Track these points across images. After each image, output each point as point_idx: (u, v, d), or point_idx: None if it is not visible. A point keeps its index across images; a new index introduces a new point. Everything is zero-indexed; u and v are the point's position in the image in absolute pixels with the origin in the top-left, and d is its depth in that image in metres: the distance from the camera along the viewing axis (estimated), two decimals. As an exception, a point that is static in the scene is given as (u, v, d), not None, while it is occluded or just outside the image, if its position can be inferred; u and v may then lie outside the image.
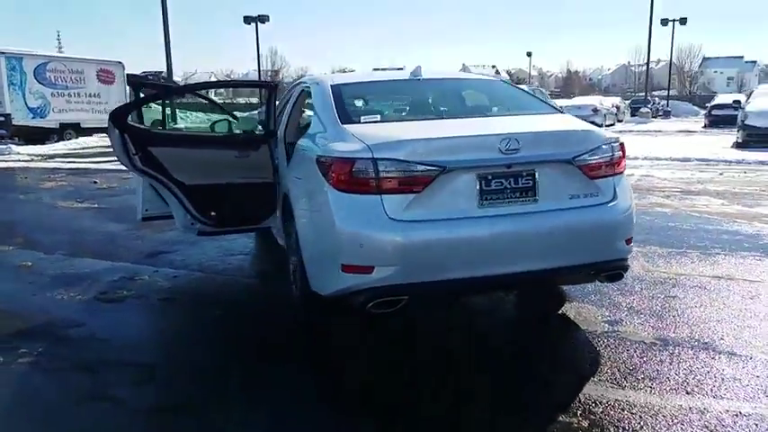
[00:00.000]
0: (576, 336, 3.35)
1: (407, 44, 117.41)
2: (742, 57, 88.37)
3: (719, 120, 23.18)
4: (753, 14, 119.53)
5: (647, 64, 38.00)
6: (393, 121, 3.52)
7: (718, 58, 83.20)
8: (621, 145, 3.21)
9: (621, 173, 3.22)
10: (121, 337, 3.57)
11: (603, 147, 3.10)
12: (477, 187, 2.88)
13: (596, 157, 3.07)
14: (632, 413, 2.51)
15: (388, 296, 2.87)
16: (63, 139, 19.84)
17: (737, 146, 13.86)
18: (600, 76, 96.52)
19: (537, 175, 2.96)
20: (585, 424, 2.44)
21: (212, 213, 4.35)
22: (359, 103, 3.64)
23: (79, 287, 4.37)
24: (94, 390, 2.87)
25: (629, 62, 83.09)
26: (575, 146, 3.04)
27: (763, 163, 11.02)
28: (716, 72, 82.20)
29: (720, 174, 9.78)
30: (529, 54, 53.00)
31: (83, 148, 18.65)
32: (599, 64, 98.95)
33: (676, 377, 2.80)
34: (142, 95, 4.74)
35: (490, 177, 2.89)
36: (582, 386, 2.74)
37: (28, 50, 19.45)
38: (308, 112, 4.38)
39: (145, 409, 2.68)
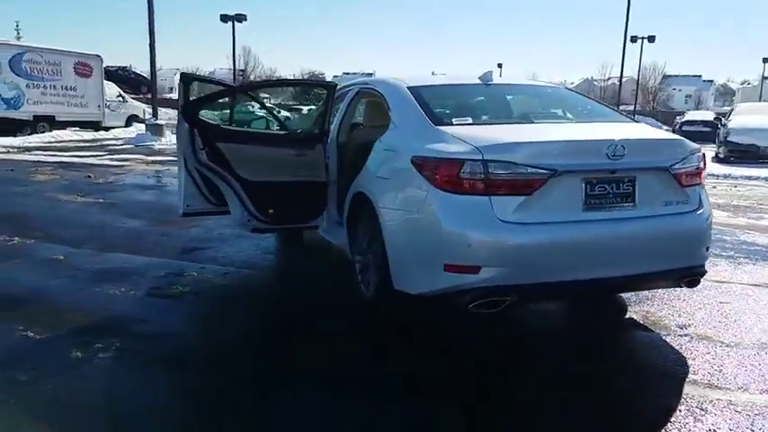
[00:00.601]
0: (653, 338, 3.44)
1: (378, 51, 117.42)
2: (700, 76, 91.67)
3: (689, 136, 23.86)
4: (711, 35, 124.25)
5: (620, 79, 39.01)
6: (485, 124, 3.56)
7: (677, 75, 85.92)
8: (704, 155, 3.33)
9: (703, 182, 3.34)
10: (196, 333, 3.51)
11: (692, 156, 3.22)
12: (583, 191, 2.95)
13: (687, 166, 3.18)
14: (738, 412, 2.60)
15: (495, 296, 2.91)
16: (36, 132, 19.18)
17: (718, 161, 14.38)
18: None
19: (636, 182, 3.04)
20: (700, 426, 2.51)
21: (270, 211, 4.32)
22: (441, 105, 3.66)
23: (127, 282, 4.26)
24: (190, 383, 2.82)
25: (592, 77, 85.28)
26: (670, 154, 3.15)
27: (749, 177, 11.48)
28: (675, 89, 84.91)
29: (714, 187, 10.13)
30: (500, 65, 53.87)
31: (58, 142, 18.10)
32: (564, 77, 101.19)
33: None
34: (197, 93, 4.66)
35: (595, 182, 2.97)
36: (681, 388, 2.82)
37: (4, 40, 18.71)
38: (368, 113, 4.43)
39: (249, 401, 2.65)
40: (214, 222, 5.89)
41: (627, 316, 3.77)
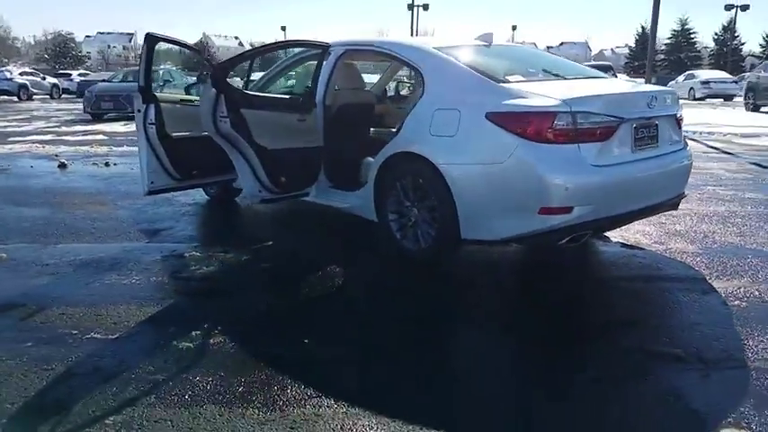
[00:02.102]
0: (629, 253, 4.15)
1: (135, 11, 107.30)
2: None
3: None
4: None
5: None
6: (534, 80, 3.87)
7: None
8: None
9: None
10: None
11: (680, 105, 3.98)
12: (632, 136, 3.50)
13: (680, 113, 3.93)
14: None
15: (581, 232, 3.35)
16: None
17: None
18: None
19: (659, 126, 3.69)
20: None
21: (282, 179, 4.21)
22: (480, 64, 3.88)
23: (128, 270, 3.83)
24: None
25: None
26: (674, 103, 3.87)
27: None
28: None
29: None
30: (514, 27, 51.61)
31: None
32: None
33: None
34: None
35: (638, 127, 3.54)
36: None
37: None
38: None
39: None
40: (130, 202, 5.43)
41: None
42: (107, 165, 8.22)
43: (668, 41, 54.43)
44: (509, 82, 3.62)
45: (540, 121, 3.24)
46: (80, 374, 2.59)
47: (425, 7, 38.80)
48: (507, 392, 2.47)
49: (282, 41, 4.79)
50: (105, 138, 11.77)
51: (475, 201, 3.49)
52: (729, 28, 48.02)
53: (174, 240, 4.60)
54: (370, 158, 4.56)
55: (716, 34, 52.17)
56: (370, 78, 6.97)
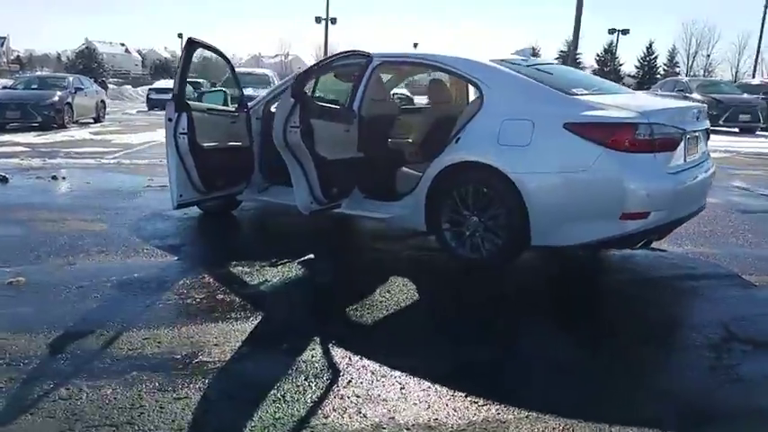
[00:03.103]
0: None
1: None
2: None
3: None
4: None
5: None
6: (597, 94, 3.99)
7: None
8: None
9: None
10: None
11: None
12: (684, 145, 3.76)
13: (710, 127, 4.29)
14: None
15: (652, 235, 3.55)
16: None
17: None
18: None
19: (699, 138, 4.00)
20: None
21: (334, 190, 4.12)
22: (538, 78, 3.99)
23: (165, 291, 3.56)
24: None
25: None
26: (706, 118, 4.19)
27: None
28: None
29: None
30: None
31: None
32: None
33: None
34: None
35: (690, 138, 3.80)
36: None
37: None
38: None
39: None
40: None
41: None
42: (54, 178, 7.52)
43: (556, 59, 58.39)
44: (576, 95, 3.77)
45: (624, 132, 3.41)
46: (221, 401, 2.38)
47: (333, 21, 38.97)
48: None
49: (342, 53, 4.61)
50: (29, 149, 10.75)
51: (550, 207, 3.59)
52: (610, 50, 52.27)
53: (206, 255, 4.33)
54: (405, 168, 4.57)
55: (598, 55, 56.56)
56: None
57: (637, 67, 55.44)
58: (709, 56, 56.87)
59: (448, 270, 4.06)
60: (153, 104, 23.94)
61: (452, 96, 5.54)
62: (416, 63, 4.68)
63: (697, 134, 3.95)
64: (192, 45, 4.18)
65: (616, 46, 49.67)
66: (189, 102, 4.31)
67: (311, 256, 4.32)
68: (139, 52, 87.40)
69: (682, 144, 3.67)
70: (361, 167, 4.35)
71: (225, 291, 3.59)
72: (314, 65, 3.87)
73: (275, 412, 2.29)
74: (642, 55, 56.28)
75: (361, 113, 4.47)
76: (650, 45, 55.51)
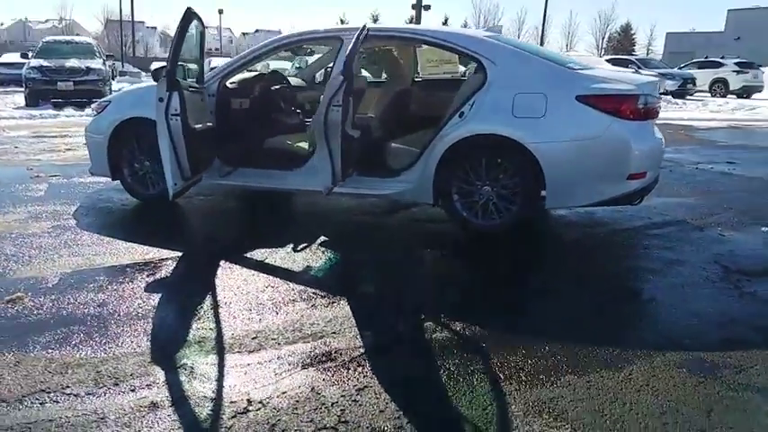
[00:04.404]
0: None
1: None
2: (143, 22, 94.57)
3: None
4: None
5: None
6: (586, 69, 4.36)
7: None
8: None
9: None
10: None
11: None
12: (656, 114, 4.38)
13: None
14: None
15: (646, 193, 4.12)
16: None
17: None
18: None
19: (659, 107, 4.68)
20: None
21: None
22: (540, 53, 4.31)
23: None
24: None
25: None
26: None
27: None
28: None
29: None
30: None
31: None
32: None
33: None
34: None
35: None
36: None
37: None
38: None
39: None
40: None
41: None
42: None
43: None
44: (575, 69, 4.17)
45: (630, 102, 3.88)
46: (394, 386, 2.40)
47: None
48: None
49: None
50: None
51: (566, 173, 3.97)
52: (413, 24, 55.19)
53: (217, 246, 4.04)
54: (395, 144, 4.67)
55: (401, 30, 59.39)
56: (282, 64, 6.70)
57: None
58: (496, 30, 62.84)
59: (459, 236, 4.31)
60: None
61: (406, 69, 5.68)
62: (409, 38, 4.72)
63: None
64: (189, 16, 3.79)
65: (420, 21, 52.44)
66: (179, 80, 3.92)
67: (324, 237, 4.25)
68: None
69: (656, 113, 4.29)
70: (360, 145, 4.35)
71: (281, 281, 3.43)
72: (356, 43, 3.74)
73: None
74: (439, 29, 60.44)
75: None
76: (446, 21, 59.88)
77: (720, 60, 24.11)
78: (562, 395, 2.32)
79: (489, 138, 4.07)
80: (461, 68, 6.68)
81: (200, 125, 4.17)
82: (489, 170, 4.12)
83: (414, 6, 48.36)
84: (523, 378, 2.43)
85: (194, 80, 4.41)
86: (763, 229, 4.62)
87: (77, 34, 48.75)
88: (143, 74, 37.07)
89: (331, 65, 6.42)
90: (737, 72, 22.61)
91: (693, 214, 5.01)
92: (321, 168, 3.83)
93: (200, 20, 4.05)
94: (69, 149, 8.08)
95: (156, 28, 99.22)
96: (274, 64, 8.23)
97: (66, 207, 4.99)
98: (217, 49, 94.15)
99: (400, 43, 5.29)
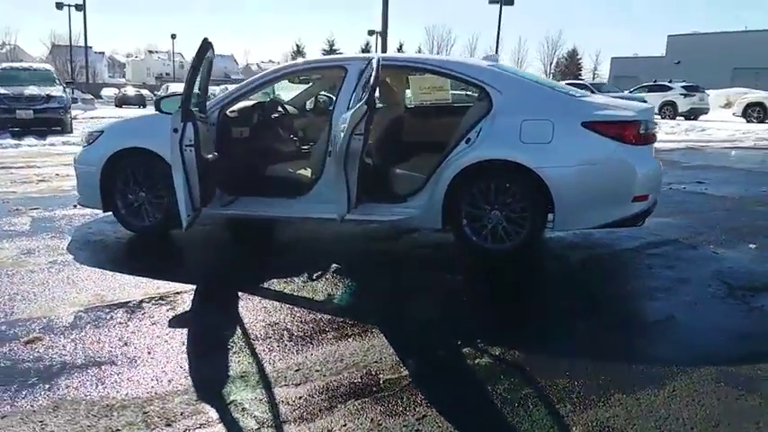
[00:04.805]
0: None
1: None
2: (91, 47, 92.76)
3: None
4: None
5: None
6: (583, 96, 4.52)
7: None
8: None
9: None
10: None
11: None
12: (651, 139, 4.57)
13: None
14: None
15: (648, 215, 4.27)
16: None
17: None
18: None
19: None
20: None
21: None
22: (542, 82, 4.45)
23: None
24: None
25: None
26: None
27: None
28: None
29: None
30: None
31: None
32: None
33: None
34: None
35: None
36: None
37: None
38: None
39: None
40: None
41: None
42: None
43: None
44: (577, 97, 4.33)
45: (632, 128, 4.05)
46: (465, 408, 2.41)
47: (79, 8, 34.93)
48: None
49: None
50: None
51: (574, 197, 4.08)
52: (367, 50, 55.89)
53: (232, 277, 3.97)
54: (399, 170, 4.73)
55: (356, 55, 60.10)
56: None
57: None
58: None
59: (469, 260, 4.37)
60: None
61: (398, 96, 5.77)
62: (419, 68, 4.81)
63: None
64: (206, 47, 3.77)
65: (376, 46, 53.23)
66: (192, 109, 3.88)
67: (336, 265, 4.24)
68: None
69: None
70: (368, 171, 4.37)
71: (305, 311, 3.40)
72: (376, 72, 3.78)
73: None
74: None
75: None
76: (400, 47, 60.88)
77: (668, 84, 25.28)
78: (617, 414, 2.37)
79: (498, 163, 4.16)
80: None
81: (210, 155, 4.13)
82: (498, 195, 4.21)
83: (370, 32, 49.41)
84: (575, 399, 2.47)
85: (198, 109, 4.37)
86: (750, 246, 4.84)
87: (21, 60, 47.43)
88: (96, 100, 36.33)
89: (323, 92, 6.50)
90: (685, 95, 23.75)
91: (682, 234, 5.20)
92: (338, 196, 3.83)
93: (213, 49, 4.03)
94: (42, 180, 7.82)
95: (104, 53, 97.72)
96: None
97: (57, 241, 4.82)
98: (167, 74, 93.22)
99: (399, 72, 5.38)
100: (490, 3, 38.23)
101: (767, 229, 5.45)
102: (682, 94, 23.75)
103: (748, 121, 22.06)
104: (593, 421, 2.32)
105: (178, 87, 30.08)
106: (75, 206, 6.10)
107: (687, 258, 4.51)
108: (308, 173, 4.81)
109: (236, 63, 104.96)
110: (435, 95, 5.80)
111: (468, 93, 6.32)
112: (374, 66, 3.82)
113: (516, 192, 4.17)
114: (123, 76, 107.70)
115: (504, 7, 37.89)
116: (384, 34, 19.18)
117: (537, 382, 2.62)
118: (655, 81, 26.44)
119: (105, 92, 48.06)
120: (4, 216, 5.70)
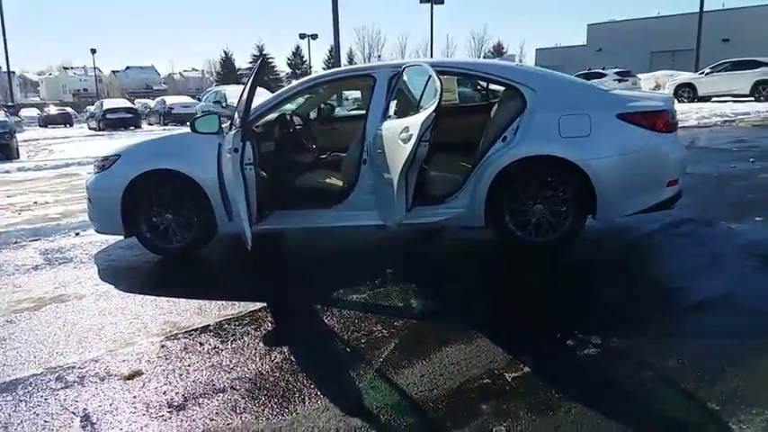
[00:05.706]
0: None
1: None
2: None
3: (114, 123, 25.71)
4: None
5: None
6: (611, 90, 4.72)
7: None
8: None
9: None
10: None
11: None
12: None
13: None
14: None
15: (678, 198, 4.52)
16: None
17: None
18: None
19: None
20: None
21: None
22: (572, 77, 4.62)
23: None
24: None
25: None
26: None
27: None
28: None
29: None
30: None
31: None
32: None
33: None
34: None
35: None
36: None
37: None
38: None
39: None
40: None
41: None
42: None
43: (249, 65, 59.47)
44: (608, 90, 4.54)
45: (662, 117, 4.28)
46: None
47: None
48: None
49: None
50: None
51: (615, 185, 4.26)
52: (299, 54, 55.49)
53: (299, 294, 3.93)
54: (434, 172, 4.80)
55: (288, 59, 59.49)
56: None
57: (323, 68, 60.07)
58: (380, 56, 64.68)
59: (516, 254, 4.51)
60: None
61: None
62: (448, 71, 4.85)
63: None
64: (264, 65, 3.71)
65: (309, 50, 52.98)
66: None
67: (389, 270, 4.27)
68: None
69: (672, 125, 4.76)
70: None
71: (396, 319, 3.42)
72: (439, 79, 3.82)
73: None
74: (327, 57, 61.22)
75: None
76: (332, 49, 60.62)
77: (602, 71, 26.47)
78: (742, 383, 2.54)
79: (540, 158, 4.31)
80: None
81: (264, 173, 4.08)
82: (540, 189, 4.35)
83: (301, 36, 49.09)
84: (698, 374, 2.63)
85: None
86: (756, 219, 5.20)
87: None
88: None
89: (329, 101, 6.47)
90: (618, 80, 24.90)
91: (691, 212, 5.50)
92: (398, 203, 3.85)
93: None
94: (24, 209, 7.41)
95: (14, 72, 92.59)
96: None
97: (83, 272, 4.62)
98: (85, 90, 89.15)
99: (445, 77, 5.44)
100: (421, 2, 38.85)
101: (762, 202, 5.86)
102: (616, 80, 24.87)
103: (680, 101, 23.36)
104: (723, 391, 2.48)
105: (112, 103, 29.17)
106: (76, 234, 5.88)
107: (710, 235, 4.82)
108: (338, 182, 4.80)
109: (158, 74, 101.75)
110: (445, 97, 5.89)
111: (481, 92, 6.48)
112: (433, 73, 3.89)
113: (558, 185, 4.33)
114: (38, 95, 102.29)
115: (434, 6, 38.61)
116: (336, 36, 19.22)
117: (652, 365, 2.76)
118: (589, 69, 27.58)
119: (24, 112, 45.42)
120: (8, 250, 5.40)
